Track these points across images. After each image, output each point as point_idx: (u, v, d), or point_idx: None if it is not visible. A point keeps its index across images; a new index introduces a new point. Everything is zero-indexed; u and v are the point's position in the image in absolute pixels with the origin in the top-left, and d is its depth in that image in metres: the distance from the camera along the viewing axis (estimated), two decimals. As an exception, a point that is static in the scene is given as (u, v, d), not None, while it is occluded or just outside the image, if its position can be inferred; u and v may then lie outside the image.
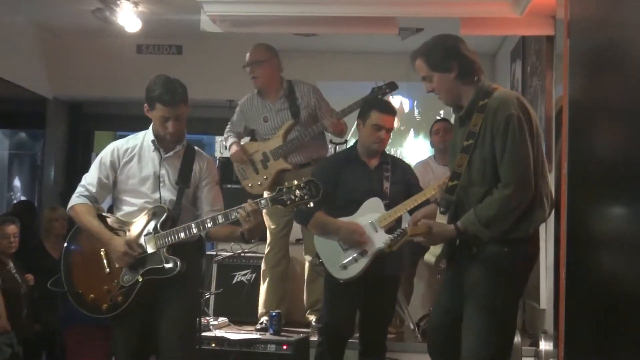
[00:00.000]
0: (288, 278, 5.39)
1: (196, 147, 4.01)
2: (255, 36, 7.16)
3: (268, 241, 5.29)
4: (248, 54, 5.23)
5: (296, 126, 5.14)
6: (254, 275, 5.58)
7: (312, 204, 3.69)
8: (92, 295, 3.74)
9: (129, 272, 3.72)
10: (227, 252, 5.69)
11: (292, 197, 3.61)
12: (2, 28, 6.84)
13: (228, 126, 5.45)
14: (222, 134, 7.12)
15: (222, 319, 5.28)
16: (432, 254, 3.42)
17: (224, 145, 5.38)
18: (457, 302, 3.33)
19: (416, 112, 8.14)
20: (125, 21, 6.58)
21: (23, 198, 9.69)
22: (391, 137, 4.48)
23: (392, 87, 5.08)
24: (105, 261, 3.75)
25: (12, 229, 5.77)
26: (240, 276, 5.65)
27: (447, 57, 3.28)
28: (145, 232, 3.74)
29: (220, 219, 3.70)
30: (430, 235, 3.30)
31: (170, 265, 3.70)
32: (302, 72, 5.46)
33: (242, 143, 5.37)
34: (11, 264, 5.76)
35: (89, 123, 8.79)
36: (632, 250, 2.39)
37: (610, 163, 2.66)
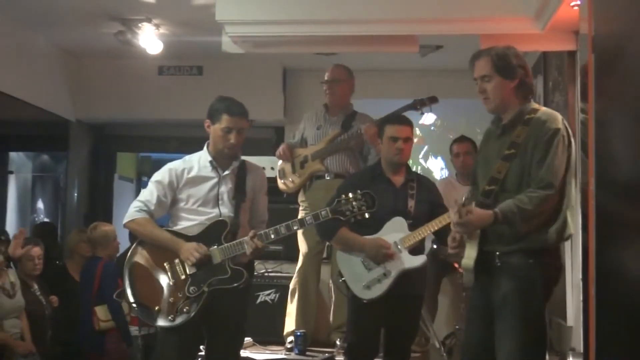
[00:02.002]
0: (317, 297, 5.40)
1: (245, 159, 4.15)
2: (275, 55, 7.22)
3: (301, 260, 5.32)
4: (328, 72, 5.45)
5: (341, 136, 5.27)
6: (277, 295, 5.58)
7: (367, 215, 3.84)
8: (157, 307, 3.83)
9: (195, 283, 3.83)
10: (252, 271, 5.69)
11: (351, 208, 3.81)
12: (25, 51, 6.92)
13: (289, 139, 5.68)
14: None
15: (247, 339, 5.27)
16: (469, 258, 3.37)
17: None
18: (490, 328, 3.32)
19: (433, 129, 8.12)
20: (147, 43, 6.64)
21: (46, 220, 9.75)
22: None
23: (432, 101, 5.21)
24: (169, 274, 3.87)
25: (37, 251, 5.82)
26: (264, 296, 5.65)
27: (514, 65, 3.36)
28: (209, 245, 3.85)
29: (283, 230, 3.86)
30: (467, 218, 3.28)
31: (237, 275, 3.83)
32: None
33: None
34: (36, 286, 5.80)
35: (111, 145, 8.83)
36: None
37: (638, 177, 2.63)
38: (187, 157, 4.09)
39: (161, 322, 3.84)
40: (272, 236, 3.86)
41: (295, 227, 3.89)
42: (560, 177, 3.25)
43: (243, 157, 4.14)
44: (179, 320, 3.80)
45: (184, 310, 3.80)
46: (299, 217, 5.20)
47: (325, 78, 5.44)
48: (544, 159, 3.24)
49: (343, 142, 5.23)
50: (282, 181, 5.40)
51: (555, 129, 3.27)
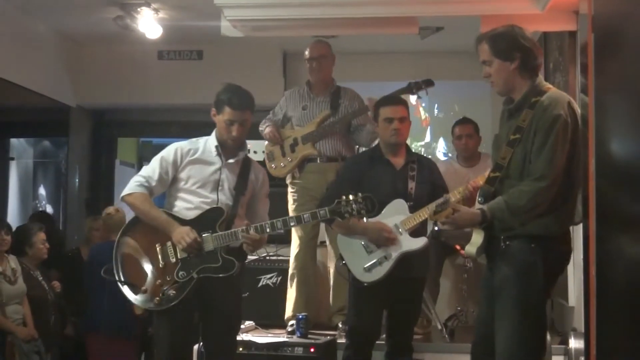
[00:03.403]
0: (316, 281, 5.40)
1: (250, 157, 4.16)
2: (275, 39, 7.20)
3: (296, 244, 5.30)
4: (309, 49, 5.35)
5: (331, 118, 5.21)
6: (279, 278, 5.58)
7: (365, 219, 3.97)
8: (143, 288, 3.84)
9: (185, 268, 3.83)
10: (252, 255, 5.69)
11: (350, 210, 3.82)
12: (25, 37, 6.90)
13: (268, 116, 5.51)
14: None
15: (249, 323, 5.28)
16: (473, 245, 3.37)
17: (260, 130, 5.42)
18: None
19: (436, 112, 8.11)
20: (146, 28, 6.61)
21: (48, 206, 9.77)
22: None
23: (428, 84, 5.15)
24: (160, 256, 3.86)
25: (43, 235, 5.86)
26: (266, 279, 5.65)
27: (512, 47, 3.29)
28: (203, 231, 3.84)
29: (280, 225, 3.87)
30: (454, 217, 3.33)
31: (227, 265, 3.83)
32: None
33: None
34: (38, 272, 5.81)
35: (112, 130, 8.82)
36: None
37: (638, 157, 2.62)
38: (195, 139, 4.09)
39: (144, 303, 3.85)
40: (268, 229, 3.86)
41: (292, 224, 3.97)
42: (559, 166, 3.17)
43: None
44: (165, 303, 3.79)
45: (170, 294, 3.79)
46: (289, 200, 5.27)
47: (309, 55, 5.32)
48: (542, 148, 3.17)
49: (335, 125, 5.18)
50: (272, 165, 5.31)
51: (556, 115, 3.17)
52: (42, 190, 10.13)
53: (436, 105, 8.03)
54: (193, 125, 8.07)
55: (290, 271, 5.34)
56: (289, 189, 5.29)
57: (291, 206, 5.26)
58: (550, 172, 3.16)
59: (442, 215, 3.39)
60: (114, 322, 5.68)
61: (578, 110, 3.28)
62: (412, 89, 5.12)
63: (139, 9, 6.47)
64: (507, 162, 3.27)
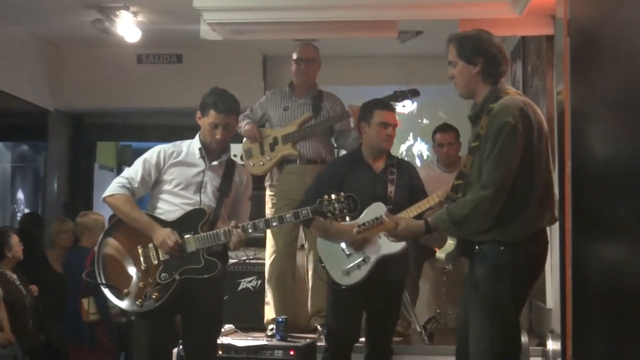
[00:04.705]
0: (294, 284, 5.38)
1: (233, 159, 4.18)
2: (255, 43, 7.20)
3: (272, 250, 5.26)
4: (298, 51, 5.30)
5: (313, 120, 5.19)
6: (259, 281, 5.56)
7: (347, 219, 3.94)
8: (126, 290, 3.84)
9: (167, 270, 3.83)
10: (232, 259, 5.67)
11: (332, 209, 3.81)
12: (3, 41, 6.85)
13: (246, 112, 5.40)
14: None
15: (229, 326, 5.26)
16: (443, 251, 3.40)
17: (238, 127, 5.36)
18: None
19: (416, 115, 8.13)
20: (125, 31, 6.59)
21: (27, 210, 9.71)
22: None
23: (414, 94, 5.14)
24: (142, 258, 3.87)
25: (16, 237, 5.82)
26: (246, 283, 5.63)
27: (476, 51, 3.28)
28: (185, 232, 3.85)
29: (262, 225, 3.89)
30: (396, 231, 3.38)
31: (210, 266, 3.84)
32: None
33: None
34: (15, 276, 5.76)
35: (90, 134, 8.78)
36: (639, 246, 2.39)
37: (613, 160, 2.65)
38: (179, 142, 4.09)
39: (128, 306, 3.86)
40: (250, 230, 3.86)
41: (274, 224, 3.92)
42: (506, 173, 3.11)
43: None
44: (147, 305, 3.80)
45: (153, 296, 3.80)
46: (267, 202, 5.23)
47: (298, 56, 5.28)
48: (488, 156, 3.13)
49: (316, 127, 5.17)
50: (250, 162, 5.23)
51: (504, 122, 3.10)
52: (20, 195, 10.06)
53: (416, 106, 8.05)
54: (173, 128, 8.06)
55: (267, 276, 5.30)
56: (268, 192, 5.27)
57: (269, 209, 5.22)
58: (493, 181, 3.11)
59: (373, 232, 3.45)
60: (91, 333, 5.68)
61: (538, 115, 3.22)
62: (397, 97, 5.12)
63: (117, 13, 6.45)
64: (469, 170, 3.25)
